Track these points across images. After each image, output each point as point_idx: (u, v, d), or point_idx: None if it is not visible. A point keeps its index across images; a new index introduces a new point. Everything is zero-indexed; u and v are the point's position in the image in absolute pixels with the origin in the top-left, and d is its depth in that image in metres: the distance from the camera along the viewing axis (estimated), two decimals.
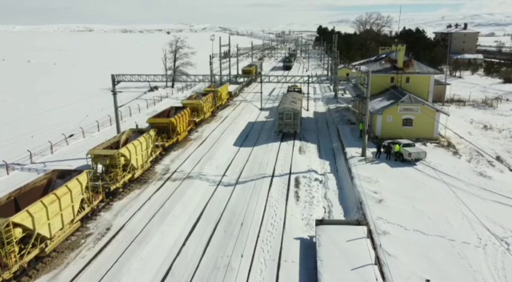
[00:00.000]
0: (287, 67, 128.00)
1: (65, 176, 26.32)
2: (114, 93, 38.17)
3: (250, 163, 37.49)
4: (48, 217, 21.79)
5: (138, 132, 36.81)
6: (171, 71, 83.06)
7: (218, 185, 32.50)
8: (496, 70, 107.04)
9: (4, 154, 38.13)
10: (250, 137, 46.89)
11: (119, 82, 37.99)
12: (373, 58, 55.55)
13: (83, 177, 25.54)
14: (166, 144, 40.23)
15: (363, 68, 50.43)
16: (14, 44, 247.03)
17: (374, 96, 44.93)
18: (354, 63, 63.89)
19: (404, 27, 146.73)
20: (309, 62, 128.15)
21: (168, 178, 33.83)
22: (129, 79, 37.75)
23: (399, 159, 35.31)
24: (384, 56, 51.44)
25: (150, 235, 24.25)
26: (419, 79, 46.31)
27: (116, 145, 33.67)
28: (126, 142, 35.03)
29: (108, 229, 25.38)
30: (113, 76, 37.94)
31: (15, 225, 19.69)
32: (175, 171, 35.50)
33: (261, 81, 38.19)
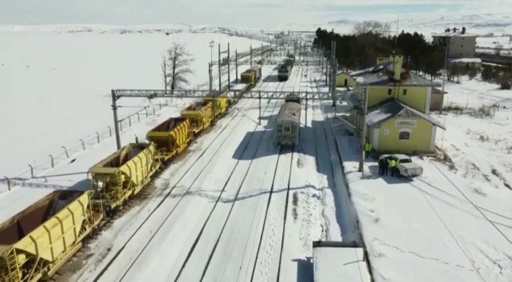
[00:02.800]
0: (282, 78, 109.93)
1: (66, 196, 26.74)
2: (114, 108, 38.57)
3: (249, 177, 37.92)
4: (51, 241, 22.22)
5: (138, 147, 37.22)
6: (171, 78, 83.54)
7: (217, 201, 32.92)
8: (493, 74, 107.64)
9: (5, 167, 38.65)
10: (249, 148, 47.31)
11: (119, 97, 38.39)
12: (370, 69, 55.96)
13: (84, 198, 25.96)
14: (166, 158, 40.62)
15: (360, 79, 50.87)
16: (13, 46, 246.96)
17: (371, 108, 45.36)
18: (351, 73, 64.39)
19: (402, 31, 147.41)
20: (308, 66, 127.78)
21: (168, 194, 34.25)
22: (129, 94, 38.19)
23: (396, 175, 35.78)
24: (381, 67, 51.89)
25: (150, 256, 24.67)
26: (417, 91, 46.79)
27: (116, 161, 34.09)
28: (126, 157, 35.48)
29: (109, 250, 25.78)
30: (113, 91, 38.36)
31: (19, 251, 20.14)
32: (174, 186, 35.91)
33: (260, 97, 38.60)
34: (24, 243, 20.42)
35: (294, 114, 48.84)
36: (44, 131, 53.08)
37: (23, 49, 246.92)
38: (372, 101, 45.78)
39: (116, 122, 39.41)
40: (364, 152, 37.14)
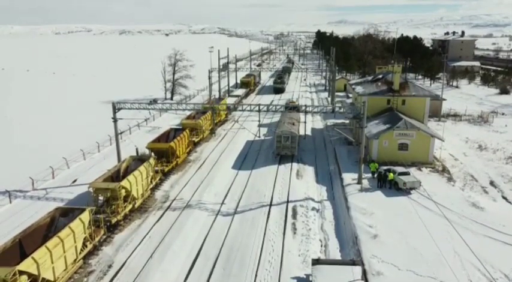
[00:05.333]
0: (278, 90, 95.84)
1: (67, 213, 26.96)
2: (115, 120, 38.80)
3: (249, 190, 38.11)
4: (52, 261, 22.47)
5: (138, 159, 37.43)
6: (170, 83, 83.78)
7: (217, 215, 33.13)
8: (492, 79, 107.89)
9: (6, 177, 38.95)
10: (248, 158, 47.49)
11: (119, 109, 38.62)
12: (369, 78, 56.23)
13: (85, 216, 26.21)
14: (166, 169, 40.83)
15: (359, 88, 51.11)
16: (13, 48, 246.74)
17: (370, 118, 45.57)
18: (351, 82, 64.62)
19: (402, 34, 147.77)
20: (307, 70, 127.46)
21: (168, 207, 34.47)
22: (130, 107, 38.41)
23: (394, 187, 36.01)
24: (380, 76, 52.14)
25: (151, 274, 24.88)
26: (415, 101, 47.11)
27: (116, 174, 34.34)
28: (126, 170, 35.75)
29: (109, 266, 26.01)
30: (113, 104, 38.61)
31: (21, 272, 20.37)
32: (174, 198, 36.11)
33: (259, 110, 38.84)
34: (26, 265, 20.67)
35: (293, 124, 49.09)
36: (45, 139, 53.27)
37: (23, 50, 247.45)
38: (371, 111, 45.90)
39: (117, 134, 39.66)
40: (362, 166, 37.33)
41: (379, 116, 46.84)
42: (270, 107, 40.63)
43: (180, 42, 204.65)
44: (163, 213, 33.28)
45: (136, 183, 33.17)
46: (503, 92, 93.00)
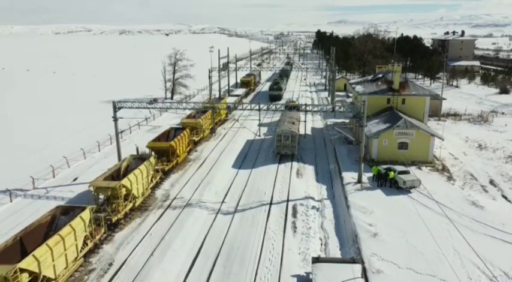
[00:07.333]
0: (275, 97, 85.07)
1: (68, 212, 27.04)
2: (115, 119, 38.88)
3: (249, 189, 38.17)
4: (53, 259, 22.54)
5: (138, 158, 37.50)
6: (171, 83, 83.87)
7: (217, 213, 33.19)
8: (492, 78, 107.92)
9: (6, 176, 39.04)
10: (248, 157, 47.54)
11: (120, 109, 38.69)
12: (369, 77, 56.29)
13: (86, 214, 26.27)
14: (166, 168, 40.91)
15: (359, 88, 51.18)
16: (13, 49, 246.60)
17: (370, 117, 45.64)
18: (351, 81, 64.69)
19: (402, 34, 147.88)
20: (307, 70, 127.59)
21: (168, 206, 34.53)
22: (130, 106, 38.48)
23: (394, 186, 36.07)
24: (380, 76, 52.20)
25: (151, 273, 24.94)
26: (415, 101, 47.19)
27: (117, 173, 34.42)
28: (127, 169, 35.83)
29: (110, 264, 26.07)
30: (114, 103, 38.70)
31: (22, 270, 20.43)
32: (175, 197, 36.17)
33: (259, 109, 38.91)
34: (27, 262, 20.73)
35: (293, 123, 49.15)
36: (45, 139, 53.34)
37: (23, 50, 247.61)
38: (371, 110, 45.95)
39: (117, 133, 39.74)
40: (362, 165, 37.37)
41: (379, 115, 46.92)
42: (270, 106, 40.65)
43: (180, 42, 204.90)
44: (164, 212, 33.35)
45: (137, 182, 33.23)
46: (503, 91, 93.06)
